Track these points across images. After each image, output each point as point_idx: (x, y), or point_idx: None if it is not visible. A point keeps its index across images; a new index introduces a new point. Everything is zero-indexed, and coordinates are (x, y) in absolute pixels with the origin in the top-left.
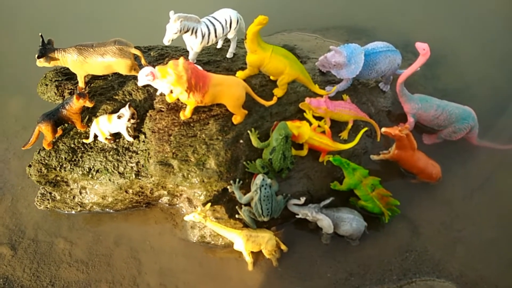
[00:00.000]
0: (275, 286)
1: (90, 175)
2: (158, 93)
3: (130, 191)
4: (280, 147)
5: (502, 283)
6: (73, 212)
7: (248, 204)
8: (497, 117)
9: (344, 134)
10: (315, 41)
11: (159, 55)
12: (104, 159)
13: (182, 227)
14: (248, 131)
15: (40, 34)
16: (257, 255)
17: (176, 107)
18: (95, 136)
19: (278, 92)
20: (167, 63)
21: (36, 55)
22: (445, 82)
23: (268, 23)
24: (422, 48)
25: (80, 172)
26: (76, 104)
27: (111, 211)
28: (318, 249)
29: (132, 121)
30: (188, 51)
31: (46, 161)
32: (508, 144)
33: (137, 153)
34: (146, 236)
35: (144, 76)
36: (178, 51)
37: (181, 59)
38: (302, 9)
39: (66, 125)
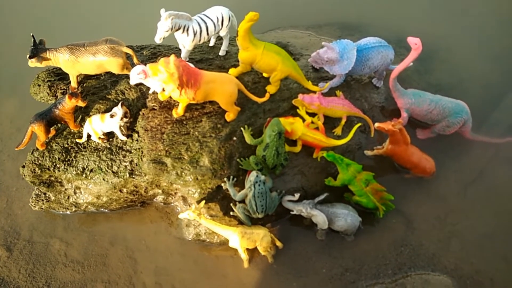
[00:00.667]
0: (270, 283)
1: (84, 175)
2: (150, 92)
3: (125, 190)
4: (274, 143)
5: (497, 276)
6: (68, 212)
7: (242, 201)
8: (490, 111)
9: (338, 130)
10: (308, 38)
11: (152, 54)
12: (98, 158)
13: (177, 226)
14: (241, 128)
15: (31, 34)
16: (252, 252)
17: (169, 105)
18: (88, 136)
19: (271, 89)
20: (159, 61)
21: (28, 55)
22: (438, 76)
23: (261, 20)
24: (414, 42)
25: (74, 172)
26: (68, 103)
27: (106, 210)
28: (313, 245)
29: (125, 120)
30: (180, 49)
31: (39, 162)
32: (501, 138)
33: (130, 152)
34: (142, 235)
35: (136, 75)
36: (170, 49)
37: (172, 57)
38: (294, 6)
39: (59, 125)
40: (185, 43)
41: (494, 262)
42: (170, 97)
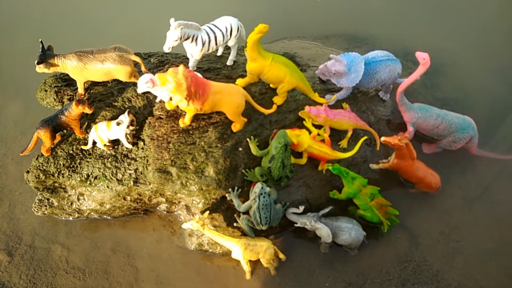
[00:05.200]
0: None
1: (88, 182)
2: (157, 100)
3: (128, 198)
4: (279, 155)
5: None
6: (71, 218)
7: (246, 212)
8: (496, 127)
9: (344, 143)
10: (315, 49)
11: (159, 62)
12: (103, 165)
13: (180, 235)
14: (247, 139)
15: (40, 40)
16: (255, 264)
17: (176, 114)
18: (94, 143)
19: (278, 100)
20: (167, 70)
21: (36, 61)
22: (445, 91)
23: (269, 30)
24: (422, 57)
25: (78, 179)
26: (75, 110)
27: (109, 217)
28: (317, 258)
29: (131, 128)
30: (188, 58)
31: (44, 167)
32: (507, 154)
33: (135, 160)
34: (144, 243)
35: (144, 83)
36: (178, 58)
37: (181, 67)
38: (302, 17)
39: (65, 131)
40: (194, 52)
41: (499, 279)
42: (177, 106)
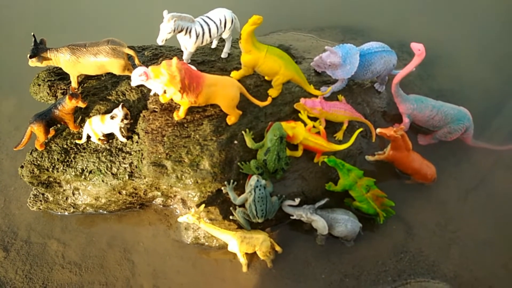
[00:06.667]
0: None
1: (83, 176)
2: (151, 93)
3: (124, 192)
4: (275, 147)
5: (496, 284)
6: (66, 213)
7: (242, 205)
8: (492, 118)
9: (339, 135)
10: (310, 41)
11: (153, 55)
12: (97, 160)
13: (176, 229)
14: (243, 132)
15: (32, 33)
16: (251, 257)
17: (170, 107)
18: (88, 137)
19: (273, 92)
20: (161, 63)
21: (28, 55)
22: (440, 82)
23: (264, 22)
24: (417, 48)
25: (73, 173)
26: (68, 104)
27: (105, 212)
28: (313, 250)
29: (125, 121)
30: (182, 51)
31: (38, 162)
32: (502, 145)
33: (130, 154)
34: (140, 237)
35: (138, 76)
36: (172, 50)
37: (175, 59)
38: (297, 9)
39: (58, 125)
40: (188, 45)
41: (494, 269)
42: (172, 99)
